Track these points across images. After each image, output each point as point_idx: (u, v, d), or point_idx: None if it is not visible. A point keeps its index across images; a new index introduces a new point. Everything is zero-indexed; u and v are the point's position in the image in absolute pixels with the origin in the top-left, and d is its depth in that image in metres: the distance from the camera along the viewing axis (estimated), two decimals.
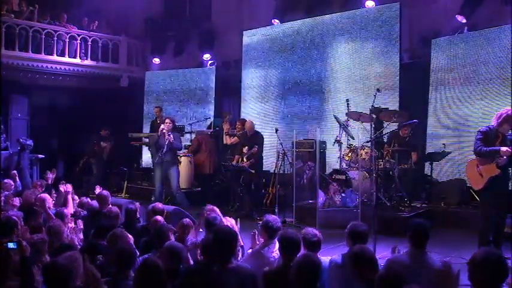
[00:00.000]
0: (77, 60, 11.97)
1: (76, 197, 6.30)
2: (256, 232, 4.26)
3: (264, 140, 8.74)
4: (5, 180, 6.88)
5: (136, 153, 11.98)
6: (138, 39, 13.03)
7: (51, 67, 11.64)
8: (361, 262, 3.12)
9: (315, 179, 7.63)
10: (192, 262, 3.88)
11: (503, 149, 4.98)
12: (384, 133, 7.27)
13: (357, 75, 9.39)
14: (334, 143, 8.26)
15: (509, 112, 5.11)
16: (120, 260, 3.39)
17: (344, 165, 7.95)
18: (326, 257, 3.84)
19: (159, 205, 5.39)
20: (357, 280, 3.19)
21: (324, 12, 9.96)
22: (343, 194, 7.50)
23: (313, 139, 8.56)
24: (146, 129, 11.99)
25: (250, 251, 4.29)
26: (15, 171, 7.69)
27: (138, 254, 3.81)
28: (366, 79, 9.24)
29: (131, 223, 5.20)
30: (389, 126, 7.79)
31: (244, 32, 11.18)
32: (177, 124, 10.93)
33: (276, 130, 8.36)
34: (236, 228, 4.62)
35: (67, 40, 11.80)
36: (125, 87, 12.77)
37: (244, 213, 8.25)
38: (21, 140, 10.19)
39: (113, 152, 10.84)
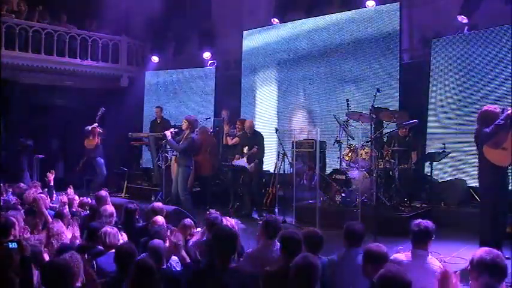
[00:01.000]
0: (77, 60, 11.96)
1: (76, 197, 6.29)
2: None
3: (264, 140, 8.74)
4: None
5: (137, 153, 11.98)
6: (138, 39, 13.03)
7: (51, 67, 11.64)
8: (374, 260, 3.13)
9: (315, 179, 7.63)
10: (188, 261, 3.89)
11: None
12: (383, 133, 7.27)
13: (356, 75, 9.39)
14: (334, 143, 8.26)
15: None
16: (120, 260, 3.40)
17: (344, 165, 7.95)
18: (326, 258, 3.85)
19: (159, 205, 5.39)
20: (363, 277, 3.21)
21: (324, 12, 9.96)
22: (343, 194, 7.51)
23: (313, 139, 8.56)
24: (146, 129, 11.98)
25: (250, 250, 4.28)
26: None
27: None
28: (366, 79, 9.24)
29: (130, 223, 5.20)
30: (389, 126, 7.81)
31: (244, 32, 11.19)
32: (177, 124, 10.98)
33: (276, 130, 8.37)
34: (236, 228, 4.62)
35: (67, 40, 11.80)
36: (125, 87, 12.77)
37: (244, 213, 8.27)
38: (21, 140, 10.20)
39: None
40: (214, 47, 11.72)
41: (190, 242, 4.33)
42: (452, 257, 5.24)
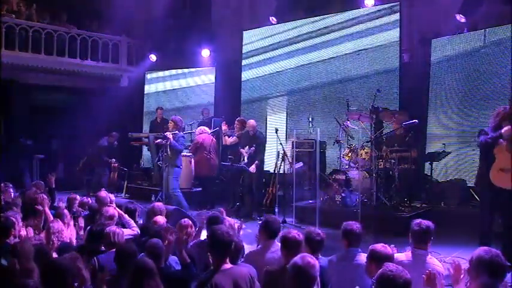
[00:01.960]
0: (77, 60, 11.97)
1: (77, 197, 6.29)
2: None
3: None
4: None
5: (137, 153, 11.98)
6: (138, 39, 13.03)
7: (51, 67, 11.64)
8: (379, 260, 3.14)
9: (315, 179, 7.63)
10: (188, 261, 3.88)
11: (504, 129, 4.92)
12: (384, 133, 7.27)
13: (357, 75, 9.40)
14: (334, 143, 8.26)
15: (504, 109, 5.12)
16: (121, 259, 3.40)
17: (344, 165, 7.95)
18: (328, 257, 3.86)
19: (160, 205, 5.39)
20: (363, 277, 3.21)
21: (324, 12, 9.96)
22: (343, 194, 7.51)
23: (313, 139, 8.56)
24: (146, 129, 11.99)
25: (250, 250, 4.28)
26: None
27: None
28: (366, 79, 9.24)
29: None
30: (389, 126, 7.81)
31: (244, 32, 11.19)
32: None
33: (276, 130, 8.36)
34: (236, 228, 4.62)
35: (67, 40, 11.80)
36: (124, 87, 12.77)
37: (244, 213, 8.27)
38: (21, 140, 10.21)
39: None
40: (214, 47, 11.72)
41: (191, 242, 4.32)
42: (452, 257, 5.23)
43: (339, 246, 3.98)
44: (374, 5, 9.15)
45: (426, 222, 3.68)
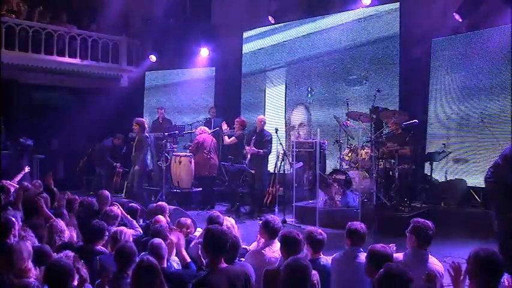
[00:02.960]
0: (77, 60, 11.96)
1: (77, 197, 6.28)
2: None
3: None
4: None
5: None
6: (138, 39, 13.02)
7: (51, 67, 11.64)
8: (378, 260, 3.14)
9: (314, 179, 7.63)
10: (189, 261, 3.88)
11: None
12: (383, 133, 7.27)
13: (357, 75, 9.40)
14: (334, 143, 8.27)
15: None
16: (120, 259, 3.40)
17: (344, 165, 7.95)
18: (328, 257, 3.86)
19: (163, 204, 5.39)
20: (365, 276, 3.21)
21: (324, 13, 9.96)
22: (343, 194, 7.50)
23: (313, 140, 8.57)
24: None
25: (250, 250, 4.28)
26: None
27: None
28: (365, 79, 9.24)
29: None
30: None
31: (244, 32, 11.20)
32: (176, 124, 11.00)
33: (276, 130, 8.36)
34: (235, 228, 4.62)
35: (67, 40, 11.80)
36: (125, 87, 12.77)
37: (244, 213, 8.28)
38: (21, 140, 10.20)
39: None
40: (214, 47, 11.72)
41: (192, 242, 4.32)
42: (452, 257, 5.23)
43: (339, 246, 3.99)
44: (374, 5, 9.16)
45: (426, 222, 3.68)
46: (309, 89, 10.08)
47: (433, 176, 8.05)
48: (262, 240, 4.13)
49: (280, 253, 3.74)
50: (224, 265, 3.23)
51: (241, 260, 3.88)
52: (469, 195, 7.79)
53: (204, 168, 8.98)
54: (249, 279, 3.27)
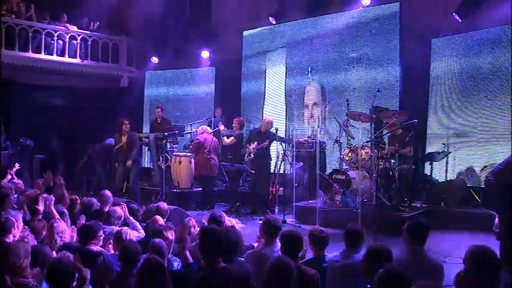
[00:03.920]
0: (77, 60, 11.96)
1: (77, 197, 6.28)
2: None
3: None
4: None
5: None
6: (138, 39, 13.02)
7: (51, 67, 11.63)
8: (376, 259, 3.14)
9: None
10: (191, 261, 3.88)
11: None
12: (384, 133, 7.28)
13: (357, 74, 9.40)
14: (334, 143, 8.27)
15: None
16: (125, 258, 3.40)
17: (344, 165, 7.95)
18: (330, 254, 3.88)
19: (164, 205, 5.39)
20: (363, 276, 3.21)
21: (324, 12, 9.96)
22: (343, 194, 7.50)
23: (313, 139, 8.58)
24: (146, 129, 11.99)
25: (250, 250, 4.28)
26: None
27: None
28: (365, 79, 9.25)
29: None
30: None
31: (244, 32, 11.20)
32: (176, 124, 11.00)
33: (276, 130, 8.38)
34: (236, 228, 4.62)
35: (67, 40, 11.80)
36: (125, 87, 12.77)
37: (245, 213, 8.28)
38: (21, 140, 10.20)
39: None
40: (214, 47, 11.72)
41: (194, 243, 4.32)
42: (452, 257, 5.24)
43: (339, 246, 3.99)
44: (374, 5, 9.16)
45: (421, 219, 3.70)
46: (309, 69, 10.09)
47: (433, 176, 8.05)
48: (263, 240, 4.13)
49: (280, 253, 3.74)
50: (222, 264, 3.23)
51: (241, 259, 3.89)
52: (469, 195, 7.79)
53: (204, 168, 8.98)
54: (248, 279, 3.26)
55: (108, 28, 12.80)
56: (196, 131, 9.67)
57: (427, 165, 8.16)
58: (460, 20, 8.09)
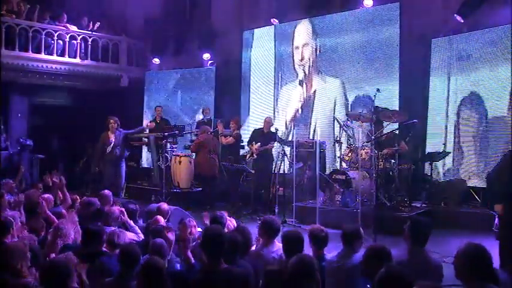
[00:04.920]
0: (77, 60, 11.95)
1: (77, 197, 6.28)
2: None
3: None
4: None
5: (137, 153, 11.97)
6: (138, 39, 13.01)
7: (51, 67, 11.63)
8: (377, 259, 3.14)
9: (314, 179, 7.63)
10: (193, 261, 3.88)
11: None
12: (384, 133, 7.28)
13: (356, 74, 9.40)
14: (335, 143, 8.26)
15: None
16: (125, 260, 3.39)
17: (344, 165, 7.95)
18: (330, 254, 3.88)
19: (165, 206, 5.38)
20: (363, 276, 3.21)
21: (324, 12, 9.96)
22: (343, 194, 7.50)
23: (313, 139, 8.58)
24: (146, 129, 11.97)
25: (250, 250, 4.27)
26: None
27: None
28: (365, 79, 9.24)
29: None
30: (389, 127, 7.80)
31: (244, 32, 11.19)
32: (176, 124, 10.99)
33: (276, 130, 8.38)
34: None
35: (67, 40, 11.79)
36: (125, 87, 12.77)
37: (245, 213, 8.28)
38: (21, 140, 10.20)
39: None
40: (214, 47, 11.72)
41: (194, 243, 4.31)
42: (452, 257, 5.22)
43: (339, 246, 3.99)
44: (374, 5, 9.16)
45: (421, 219, 3.70)
46: None
47: (433, 176, 8.05)
48: (261, 240, 4.12)
49: (279, 253, 3.74)
50: (224, 265, 3.23)
51: (243, 260, 3.88)
52: (469, 195, 7.79)
53: (205, 168, 8.97)
54: (248, 280, 3.26)
55: (108, 28, 12.79)
56: (197, 131, 9.68)
57: (427, 165, 8.16)
58: (463, 21, 8.08)
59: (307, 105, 10.11)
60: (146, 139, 10.73)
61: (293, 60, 10.43)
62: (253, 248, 4.33)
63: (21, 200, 5.50)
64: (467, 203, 7.73)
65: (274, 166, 8.58)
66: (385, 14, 9.07)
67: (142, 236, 4.88)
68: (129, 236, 4.44)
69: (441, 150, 8.04)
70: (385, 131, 7.35)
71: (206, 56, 11.69)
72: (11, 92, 11.18)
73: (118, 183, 9.10)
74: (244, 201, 8.64)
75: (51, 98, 12.25)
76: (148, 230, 4.60)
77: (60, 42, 11.70)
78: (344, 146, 8.05)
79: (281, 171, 8.24)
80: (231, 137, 8.98)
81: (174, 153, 9.59)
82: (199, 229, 4.84)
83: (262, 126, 8.87)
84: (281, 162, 8.28)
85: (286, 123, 10.34)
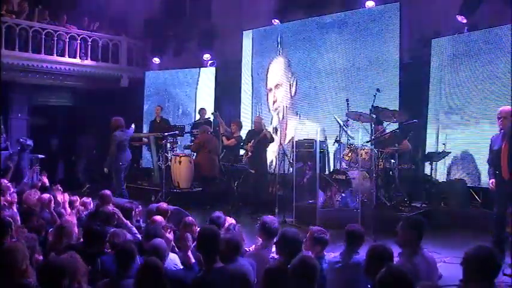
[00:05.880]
0: (77, 60, 11.95)
1: (77, 197, 6.28)
2: None
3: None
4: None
5: (137, 153, 11.97)
6: (138, 39, 13.02)
7: (51, 67, 11.63)
8: (378, 259, 3.14)
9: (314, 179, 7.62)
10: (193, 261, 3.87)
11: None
12: (383, 133, 7.27)
13: (357, 75, 9.39)
14: (335, 143, 8.26)
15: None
16: (121, 260, 3.39)
17: (344, 165, 7.94)
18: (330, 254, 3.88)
19: (164, 205, 5.38)
20: (365, 276, 3.21)
21: (324, 12, 9.96)
22: (343, 194, 7.50)
23: (313, 139, 8.56)
24: (146, 129, 11.98)
25: (248, 250, 4.27)
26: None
27: None
28: (366, 79, 9.24)
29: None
30: (389, 127, 7.80)
31: (244, 32, 11.19)
32: (176, 124, 11.00)
33: (276, 130, 8.37)
34: (236, 229, 4.62)
35: (67, 40, 11.79)
36: (125, 87, 12.77)
37: (245, 213, 8.28)
38: (21, 140, 10.18)
39: None
40: (214, 47, 11.72)
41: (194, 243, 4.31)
42: (452, 257, 5.24)
43: (339, 246, 3.99)
44: (374, 5, 9.15)
45: (416, 217, 3.71)
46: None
47: (433, 176, 8.04)
48: (260, 241, 4.12)
49: (278, 253, 3.73)
50: (220, 264, 3.23)
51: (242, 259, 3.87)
52: (469, 195, 7.78)
53: (205, 168, 8.98)
54: (247, 279, 3.26)
55: (108, 28, 12.79)
56: (196, 131, 9.68)
57: (427, 165, 8.15)
58: (465, 21, 8.08)
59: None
60: (146, 139, 10.73)
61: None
62: (253, 247, 4.34)
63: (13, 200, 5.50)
64: (467, 203, 7.72)
65: (274, 166, 8.59)
66: (386, 13, 9.06)
67: (139, 236, 4.88)
68: (128, 236, 4.43)
69: (441, 150, 8.03)
70: (385, 131, 7.35)
71: (206, 56, 11.69)
72: (11, 92, 11.18)
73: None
74: (244, 201, 8.63)
75: (51, 98, 12.25)
76: (148, 230, 4.60)
77: (60, 42, 11.71)
78: (344, 146, 8.03)
79: (281, 172, 8.26)
80: (233, 139, 8.99)
81: (174, 153, 9.59)
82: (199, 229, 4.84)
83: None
84: (281, 162, 8.28)
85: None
